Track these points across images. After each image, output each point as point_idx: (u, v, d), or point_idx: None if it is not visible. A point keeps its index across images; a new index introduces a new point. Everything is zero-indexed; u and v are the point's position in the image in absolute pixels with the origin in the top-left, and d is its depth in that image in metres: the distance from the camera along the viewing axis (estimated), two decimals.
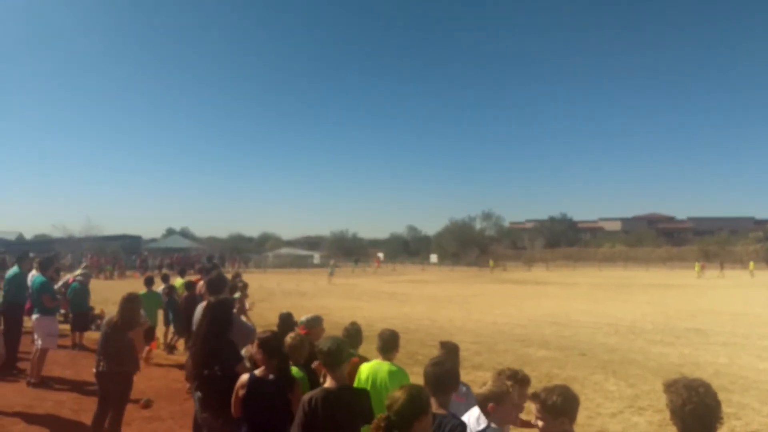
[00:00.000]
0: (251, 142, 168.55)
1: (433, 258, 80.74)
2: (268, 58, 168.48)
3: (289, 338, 4.93)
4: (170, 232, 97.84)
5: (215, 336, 4.98)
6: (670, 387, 2.87)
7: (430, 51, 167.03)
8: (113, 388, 6.31)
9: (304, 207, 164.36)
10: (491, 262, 68.20)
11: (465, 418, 3.72)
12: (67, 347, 12.68)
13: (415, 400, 2.92)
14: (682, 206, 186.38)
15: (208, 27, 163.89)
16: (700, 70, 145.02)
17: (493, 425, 3.41)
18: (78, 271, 14.78)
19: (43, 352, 9.43)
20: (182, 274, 16.23)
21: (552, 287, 37.65)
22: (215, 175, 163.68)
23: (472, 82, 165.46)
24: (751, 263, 55.85)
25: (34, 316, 9.71)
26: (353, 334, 5.42)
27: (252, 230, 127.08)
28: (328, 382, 3.84)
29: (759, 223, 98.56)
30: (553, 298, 28.47)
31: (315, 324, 6.17)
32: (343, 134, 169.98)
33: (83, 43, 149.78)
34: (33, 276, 10.09)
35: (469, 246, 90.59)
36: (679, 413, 2.78)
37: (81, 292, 13.49)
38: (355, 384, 4.78)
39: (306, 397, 3.78)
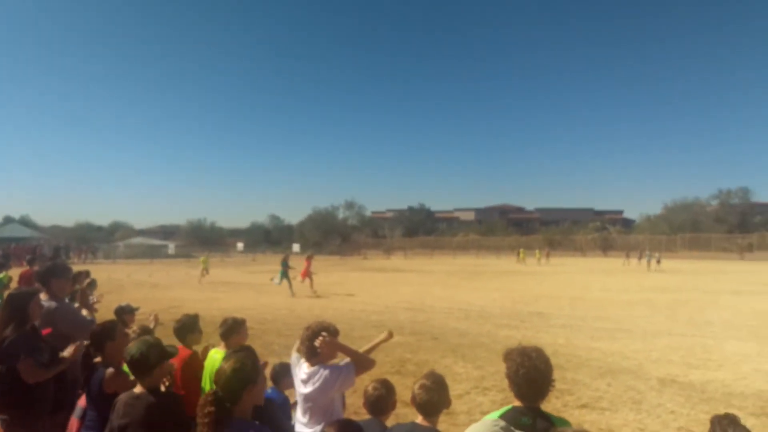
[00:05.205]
0: (98, 122, 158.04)
1: (296, 247, 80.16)
2: (119, 27, 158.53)
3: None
4: (8, 220, 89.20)
5: (11, 329, 4.66)
6: (508, 355, 2.99)
7: (295, 37, 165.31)
8: None
9: (158, 194, 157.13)
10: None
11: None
12: None
13: (239, 371, 2.84)
14: (530, 197, 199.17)
15: None
16: (538, 72, 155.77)
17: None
18: None
19: None
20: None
21: (409, 275, 38.71)
22: (60, 158, 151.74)
23: (335, 74, 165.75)
24: (537, 251, 60.09)
25: None
26: (187, 325, 5.05)
27: (101, 219, 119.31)
28: (137, 387, 3.46)
29: (598, 214, 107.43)
30: (410, 285, 29.25)
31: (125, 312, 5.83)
32: (200, 118, 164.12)
33: None
34: None
35: (332, 235, 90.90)
36: (513, 378, 2.88)
37: None
38: (204, 379, 4.62)
39: (118, 397, 3.52)
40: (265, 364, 4.80)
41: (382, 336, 4.66)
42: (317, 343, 3.82)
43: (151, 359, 3.44)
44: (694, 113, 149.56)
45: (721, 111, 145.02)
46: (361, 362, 3.92)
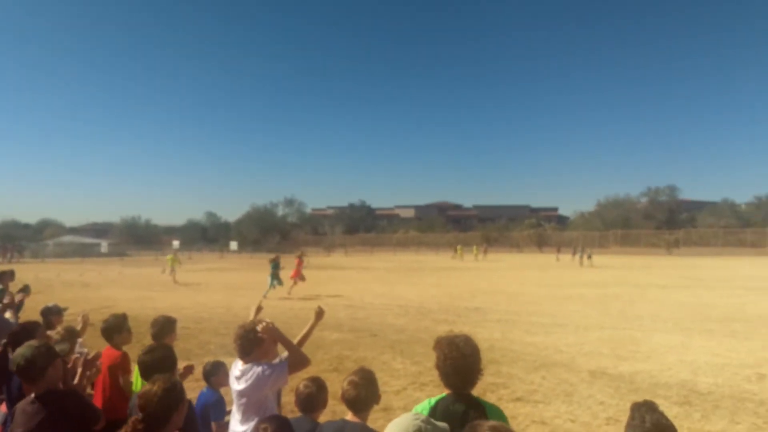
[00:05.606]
0: (24, 115, 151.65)
1: (233, 245, 78.98)
2: (43, 23, 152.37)
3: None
4: None
5: None
6: (437, 344, 3.04)
7: (232, 33, 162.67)
8: None
9: (90, 191, 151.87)
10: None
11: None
12: None
13: (171, 392, 2.73)
14: (468, 195, 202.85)
15: None
16: (473, 75, 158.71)
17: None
18: None
19: None
20: None
21: (349, 272, 38.69)
22: None
23: (274, 70, 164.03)
24: (475, 248, 61.62)
25: None
26: (113, 326, 4.92)
27: (29, 216, 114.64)
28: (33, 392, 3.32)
29: (534, 211, 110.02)
30: (350, 283, 29.25)
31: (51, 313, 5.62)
32: (133, 112, 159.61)
33: None
34: None
35: (271, 232, 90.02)
36: (441, 367, 2.96)
37: None
38: (135, 381, 4.50)
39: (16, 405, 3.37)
40: (192, 367, 4.70)
41: (312, 320, 4.63)
42: (260, 328, 3.85)
43: (38, 363, 3.30)
44: (625, 114, 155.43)
45: (651, 112, 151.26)
46: (297, 358, 3.90)
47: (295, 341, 4.25)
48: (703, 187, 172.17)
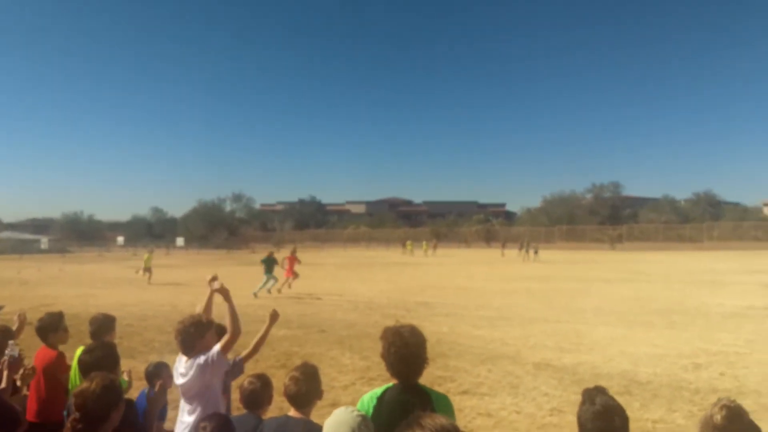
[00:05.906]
0: None
1: (180, 241, 77.55)
2: None
3: None
4: None
5: None
6: (383, 335, 3.05)
7: (183, 28, 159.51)
8: None
9: (29, 185, 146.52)
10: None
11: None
12: None
13: (110, 389, 2.65)
14: (418, 191, 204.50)
15: None
16: (422, 71, 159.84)
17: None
18: None
19: None
20: None
21: (299, 268, 38.31)
22: None
23: (222, 63, 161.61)
24: (425, 243, 62.29)
25: None
26: (48, 325, 4.84)
27: None
28: None
29: (481, 207, 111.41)
30: (300, 278, 28.95)
31: None
32: (76, 103, 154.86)
33: None
34: None
35: (218, 228, 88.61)
36: (387, 357, 2.96)
37: None
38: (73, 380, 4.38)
39: None
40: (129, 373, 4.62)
41: (268, 322, 4.60)
42: (216, 284, 4.08)
43: None
44: (570, 113, 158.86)
45: (594, 110, 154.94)
46: (233, 326, 3.92)
47: (251, 343, 4.25)
48: (645, 184, 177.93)
